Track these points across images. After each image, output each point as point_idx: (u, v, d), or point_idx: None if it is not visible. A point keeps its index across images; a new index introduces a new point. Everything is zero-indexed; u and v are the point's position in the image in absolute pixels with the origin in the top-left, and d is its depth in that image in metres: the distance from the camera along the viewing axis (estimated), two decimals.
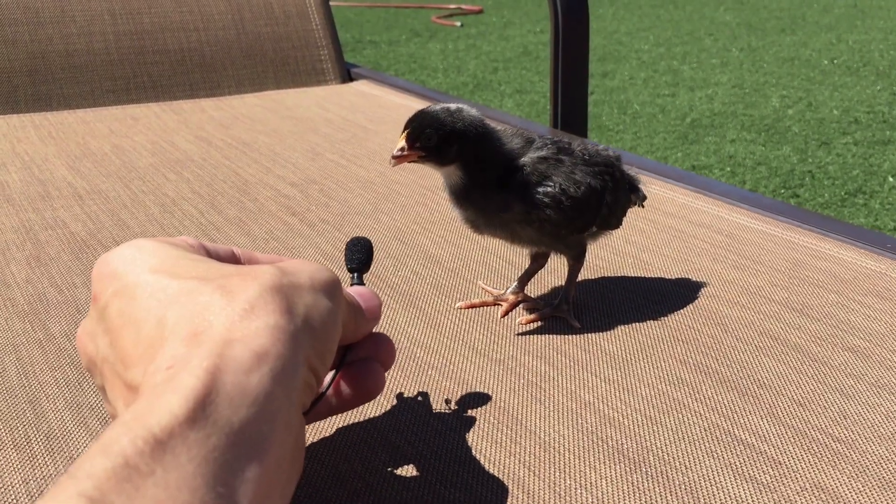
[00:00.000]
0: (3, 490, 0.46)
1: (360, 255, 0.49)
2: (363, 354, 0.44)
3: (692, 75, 4.23)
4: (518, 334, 0.64)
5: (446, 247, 0.80)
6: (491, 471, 0.48)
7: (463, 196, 0.62)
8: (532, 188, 0.62)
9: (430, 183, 0.98)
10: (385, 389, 0.53)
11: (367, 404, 0.53)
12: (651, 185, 0.95)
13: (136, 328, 0.35)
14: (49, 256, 0.77)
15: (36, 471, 0.47)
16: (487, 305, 0.69)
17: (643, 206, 0.71)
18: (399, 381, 0.57)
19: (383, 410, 0.54)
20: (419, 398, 0.55)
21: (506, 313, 0.67)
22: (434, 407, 0.54)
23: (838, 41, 5.13)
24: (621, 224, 0.69)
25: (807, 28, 5.65)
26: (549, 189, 0.62)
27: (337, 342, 0.38)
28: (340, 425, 0.52)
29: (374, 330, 0.46)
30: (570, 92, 1.21)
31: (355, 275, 0.48)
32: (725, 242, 0.81)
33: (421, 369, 0.59)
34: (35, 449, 0.49)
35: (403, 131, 0.59)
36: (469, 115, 0.60)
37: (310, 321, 0.35)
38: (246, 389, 0.31)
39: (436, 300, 0.70)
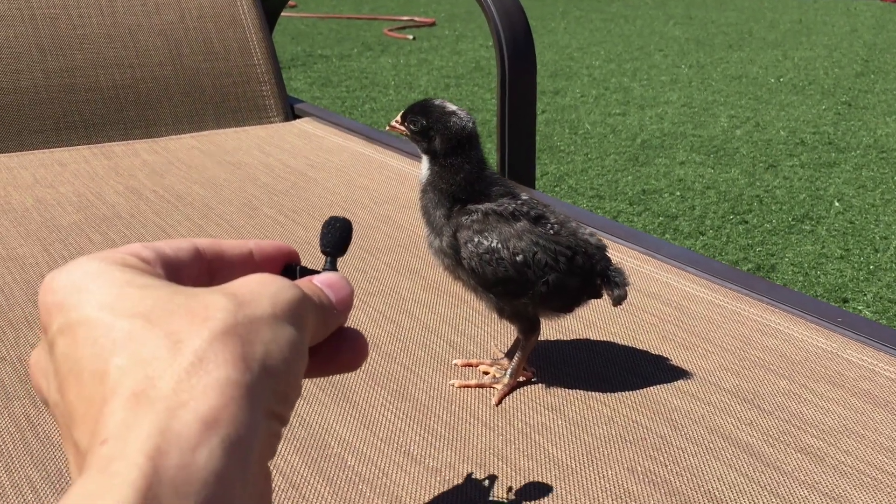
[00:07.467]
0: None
1: (335, 237, 0.43)
2: (331, 353, 0.40)
3: (642, 93, 4.26)
4: (479, 418, 0.60)
5: (380, 321, 0.76)
6: None
7: (423, 190, 0.64)
8: (465, 230, 0.62)
9: (371, 245, 0.94)
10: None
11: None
12: None
13: (79, 380, 0.32)
14: None
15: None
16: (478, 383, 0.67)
17: (616, 306, 0.66)
18: (318, 489, 0.53)
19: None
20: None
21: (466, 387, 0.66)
22: None
23: (784, 58, 5.21)
24: (571, 311, 0.66)
25: (753, 44, 5.73)
26: (475, 239, 0.62)
27: (303, 371, 0.35)
28: None
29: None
30: (517, 141, 1.19)
31: (328, 259, 0.43)
32: (674, 316, 0.79)
33: (350, 480, 0.55)
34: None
35: (402, 112, 0.65)
36: (459, 121, 0.62)
37: (269, 363, 0.32)
38: (192, 473, 0.28)
39: (369, 388, 0.66)
